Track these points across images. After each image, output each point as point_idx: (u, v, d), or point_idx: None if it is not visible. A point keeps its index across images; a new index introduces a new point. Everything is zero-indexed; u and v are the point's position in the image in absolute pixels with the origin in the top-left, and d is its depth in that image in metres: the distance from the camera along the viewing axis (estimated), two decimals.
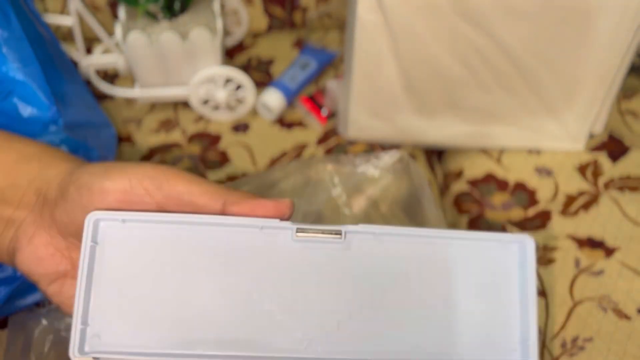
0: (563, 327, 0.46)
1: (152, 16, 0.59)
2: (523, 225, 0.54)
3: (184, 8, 0.60)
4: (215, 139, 0.61)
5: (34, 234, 0.34)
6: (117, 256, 0.32)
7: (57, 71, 0.53)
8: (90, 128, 0.56)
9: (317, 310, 0.32)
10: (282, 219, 0.32)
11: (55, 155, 0.36)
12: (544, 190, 0.56)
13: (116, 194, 0.31)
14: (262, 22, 0.73)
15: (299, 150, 0.60)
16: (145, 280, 0.32)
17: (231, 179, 0.58)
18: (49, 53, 0.53)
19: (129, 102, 0.65)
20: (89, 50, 0.69)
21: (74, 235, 0.33)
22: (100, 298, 0.31)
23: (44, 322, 0.45)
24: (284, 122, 0.63)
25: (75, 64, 0.63)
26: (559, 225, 0.53)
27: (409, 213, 0.51)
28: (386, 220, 0.51)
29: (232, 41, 0.71)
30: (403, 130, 0.58)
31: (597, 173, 0.57)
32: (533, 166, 0.58)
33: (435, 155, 0.63)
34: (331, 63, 0.69)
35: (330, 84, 0.62)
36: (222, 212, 0.32)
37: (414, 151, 0.61)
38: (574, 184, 0.56)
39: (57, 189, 0.33)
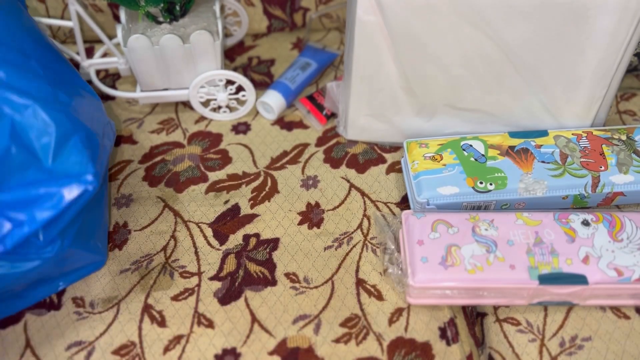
0: (562, 326, 0.47)
1: (153, 19, 0.59)
2: None
3: (184, 11, 0.60)
4: (216, 139, 0.62)
5: None
6: None
7: (58, 69, 0.53)
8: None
9: None
10: None
11: None
12: None
13: None
14: (262, 23, 0.73)
15: (300, 150, 0.61)
16: None
17: (232, 178, 0.58)
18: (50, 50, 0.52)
19: (130, 102, 0.66)
20: (90, 52, 0.69)
21: None
22: None
23: None
24: (284, 123, 0.63)
25: (76, 66, 0.63)
26: None
27: None
28: None
29: (232, 42, 0.72)
30: (403, 130, 0.58)
31: None
32: None
33: None
34: (331, 63, 0.69)
35: (330, 84, 0.62)
36: None
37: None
38: None
39: None
